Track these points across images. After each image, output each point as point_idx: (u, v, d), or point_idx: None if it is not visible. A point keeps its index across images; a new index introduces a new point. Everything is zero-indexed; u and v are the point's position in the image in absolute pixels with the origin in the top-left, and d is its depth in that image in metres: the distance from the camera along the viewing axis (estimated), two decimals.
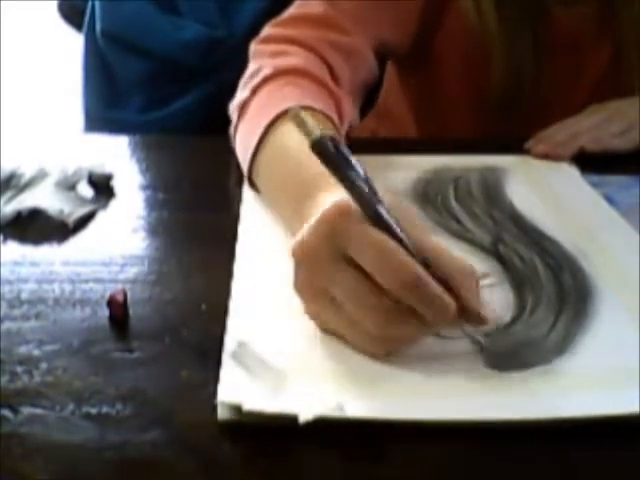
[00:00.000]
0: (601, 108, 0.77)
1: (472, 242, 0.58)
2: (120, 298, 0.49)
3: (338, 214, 0.44)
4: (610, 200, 0.65)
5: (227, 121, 0.70)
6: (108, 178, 0.68)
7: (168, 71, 1.06)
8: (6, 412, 0.41)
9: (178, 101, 1.06)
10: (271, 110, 0.63)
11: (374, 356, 0.44)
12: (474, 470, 0.38)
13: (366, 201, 0.44)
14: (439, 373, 0.43)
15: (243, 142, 0.66)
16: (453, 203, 0.64)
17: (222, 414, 0.40)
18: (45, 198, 0.63)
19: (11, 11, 2.65)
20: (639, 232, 0.59)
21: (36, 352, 0.46)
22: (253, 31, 0.79)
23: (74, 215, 0.62)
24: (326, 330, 0.46)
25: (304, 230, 0.45)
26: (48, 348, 0.46)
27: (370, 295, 0.42)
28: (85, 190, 0.67)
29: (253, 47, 0.75)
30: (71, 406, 0.41)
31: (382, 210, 0.44)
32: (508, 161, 0.73)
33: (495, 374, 0.43)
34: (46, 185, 0.65)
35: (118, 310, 0.49)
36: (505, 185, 0.68)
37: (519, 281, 0.53)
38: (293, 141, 0.60)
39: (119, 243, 0.59)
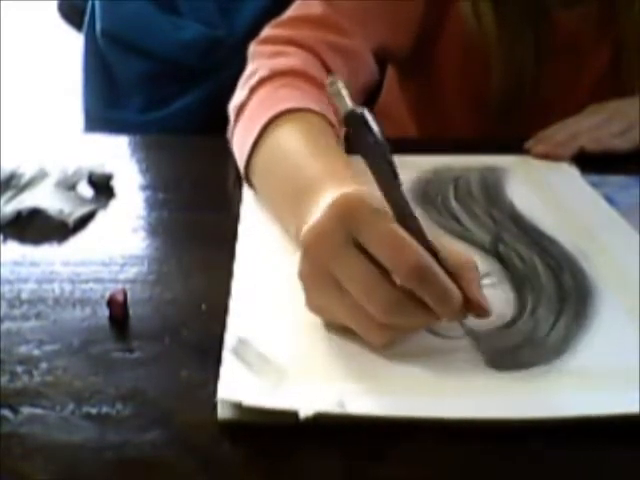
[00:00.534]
0: (601, 108, 0.77)
1: (472, 242, 0.58)
2: (120, 298, 0.49)
3: (351, 200, 0.44)
4: (610, 200, 0.65)
5: (227, 121, 0.70)
6: (108, 178, 0.68)
7: (168, 71, 1.05)
8: (6, 412, 0.41)
9: (178, 101, 1.06)
10: (268, 111, 0.63)
11: (375, 344, 0.44)
12: (474, 470, 0.38)
13: (388, 185, 0.44)
14: (439, 372, 0.43)
15: (240, 142, 0.66)
16: (453, 203, 0.64)
17: (222, 413, 0.40)
18: (45, 198, 0.63)
19: (11, 11, 2.65)
20: (639, 232, 0.59)
21: (36, 352, 0.46)
22: (253, 31, 0.79)
23: (74, 215, 0.62)
24: (328, 322, 0.46)
25: (315, 216, 0.45)
26: (48, 348, 0.46)
27: (377, 281, 0.42)
28: (85, 190, 0.67)
29: (252, 48, 0.75)
30: (71, 406, 0.41)
31: (401, 192, 0.44)
32: (508, 161, 0.73)
33: (495, 374, 0.43)
34: (46, 185, 0.65)
35: (118, 310, 0.49)
36: (505, 185, 0.68)
37: (519, 281, 0.53)
38: (290, 142, 0.60)
39: (119, 243, 0.59)
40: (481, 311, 0.45)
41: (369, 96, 0.86)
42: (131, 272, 0.55)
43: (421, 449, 0.39)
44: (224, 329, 0.46)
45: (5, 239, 0.59)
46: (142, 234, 0.61)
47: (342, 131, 0.68)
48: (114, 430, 0.40)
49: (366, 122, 0.45)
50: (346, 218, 0.44)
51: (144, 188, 0.69)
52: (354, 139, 0.46)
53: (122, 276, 0.54)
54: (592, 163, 0.71)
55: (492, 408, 0.40)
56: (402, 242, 0.42)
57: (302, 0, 0.78)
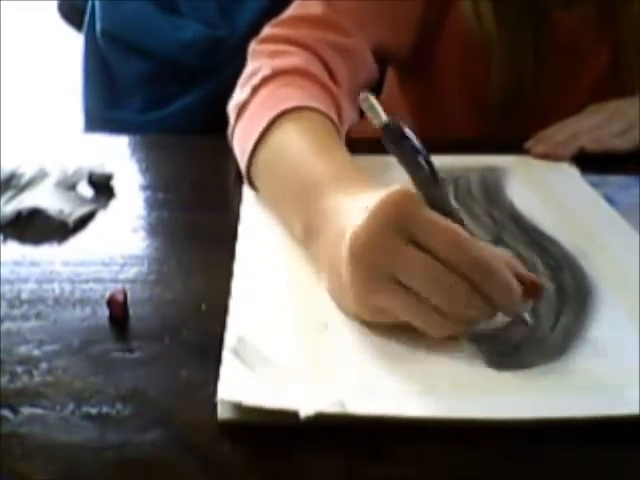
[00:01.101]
0: (601, 108, 0.77)
1: None
2: (120, 298, 0.49)
3: (402, 198, 0.44)
4: (610, 200, 0.65)
5: (227, 121, 0.70)
6: (108, 178, 0.68)
7: (168, 71, 1.05)
8: (6, 412, 0.41)
9: (178, 101, 1.06)
10: (270, 110, 0.63)
11: (440, 336, 0.45)
12: (474, 470, 0.38)
13: (429, 186, 0.45)
14: (440, 372, 0.43)
15: (241, 141, 0.66)
16: (453, 203, 0.64)
17: (222, 413, 0.40)
18: (45, 198, 0.63)
19: (11, 11, 2.65)
20: (639, 232, 0.59)
21: (36, 352, 0.46)
22: (253, 31, 0.79)
23: (74, 215, 0.62)
24: (390, 324, 0.46)
25: (361, 221, 0.45)
26: (48, 348, 0.46)
27: (442, 273, 0.43)
28: (85, 190, 0.67)
29: (252, 47, 0.75)
30: (71, 406, 0.41)
31: (446, 196, 0.46)
32: (508, 161, 0.73)
33: (495, 374, 0.43)
34: (46, 185, 0.65)
35: (118, 310, 0.49)
36: (505, 185, 0.68)
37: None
38: (294, 140, 0.60)
39: (119, 243, 0.59)
40: (540, 290, 0.47)
41: None
42: (131, 272, 0.55)
43: (421, 449, 0.39)
44: (224, 329, 0.46)
45: (5, 239, 0.59)
46: (142, 234, 0.61)
47: (344, 130, 0.68)
48: (114, 430, 0.40)
49: (404, 133, 0.46)
50: (399, 217, 0.44)
51: (144, 188, 0.69)
52: (394, 152, 0.47)
53: (122, 276, 0.54)
54: (592, 163, 0.71)
55: (492, 408, 0.40)
56: (462, 237, 0.43)
57: (302, 0, 0.78)
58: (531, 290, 0.46)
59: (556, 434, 0.40)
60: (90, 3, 1.09)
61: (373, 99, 0.47)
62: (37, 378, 0.44)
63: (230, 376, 0.42)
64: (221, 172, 0.71)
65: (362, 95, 0.48)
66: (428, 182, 0.45)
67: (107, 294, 0.50)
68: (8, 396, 0.42)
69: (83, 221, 0.62)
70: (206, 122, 1.01)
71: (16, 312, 0.50)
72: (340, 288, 0.47)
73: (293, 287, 0.50)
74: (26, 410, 0.41)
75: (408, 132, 0.47)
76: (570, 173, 0.71)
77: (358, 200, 0.48)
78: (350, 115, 0.70)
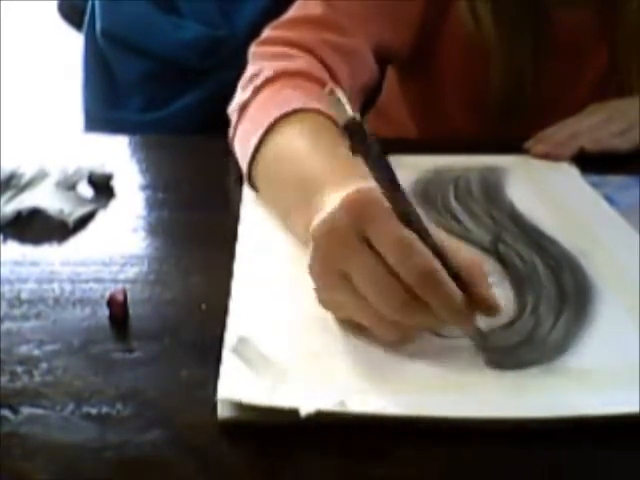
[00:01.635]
0: (601, 108, 0.77)
1: (472, 242, 0.58)
2: (120, 298, 0.49)
3: (363, 196, 0.44)
4: (610, 200, 0.65)
5: (227, 121, 0.70)
6: (108, 178, 0.68)
7: (168, 71, 1.05)
8: (6, 412, 0.41)
9: (178, 101, 1.06)
10: (273, 111, 0.62)
11: (387, 340, 0.45)
12: (474, 470, 0.38)
13: (391, 188, 0.44)
14: (440, 371, 0.43)
15: (243, 141, 0.66)
16: (453, 203, 0.64)
17: (222, 413, 0.40)
18: (45, 198, 0.63)
19: (11, 11, 2.65)
20: (639, 232, 0.59)
21: (36, 352, 0.46)
22: (254, 31, 0.79)
23: (74, 215, 0.62)
24: (340, 318, 0.46)
25: (326, 211, 0.45)
26: (48, 348, 0.46)
27: (388, 282, 0.43)
28: (85, 190, 0.67)
29: (252, 49, 0.75)
30: (71, 406, 0.41)
31: (407, 199, 0.44)
32: (508, 161, 0.73)
33: (496, 373, 0.43)
34: (46, 185, 0.65)
35: (118, 309, 0.49)
36: (505, 185, 0.68)
37: (519, 281, 0.53)
38: (297, 142, 0.60)
39: (119, 243, 0.59)
40: (491, 309, 0.45)
41: (369, 96, 0.86)
42: (131, 272, 0.55)
43: (421, 449, 0.39)
44: (224, 329, 0.46)
45: (5, 239, 0.59)
46: (142, 234, 0.61)
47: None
48: (114, 430, 0.40)
49: (364, 128, 0.45)
50: (358, 215, 0.44)
51: (144, 188, 0.69)
52: (356, 151, 0.46)
53: (122, 276, 0.54)
54: (592, 163, 0.71)
55: (492, 407, 0.40)
56: (411, 247, 0.43)
57: (302, 0, 0.78)
58: (484, 308, 0.45)
59: (556, 434, 0.40)
60: (90, 3, 1.09)
61: (340, 93, 0.46)
62: (37, 378, 0.44)
63: (230, 375, 0.42)
64: (221, 172, 0.71)
65: (327, 87, 0.47)
66: (390, 186, 0.44)
67: (107, 294, 0.50)
68: (8, 396, 0.42)
69: (83, 221, 0.62)
70: (206, 122, 1.01)
71: (16, 312, 0.50)
72: None
73: (293, 287, 0.50)
74: (26, 410, 0.41)
75: (371, 134, 0.45)
76: (570, 173, 0.71)
77: None
78: None
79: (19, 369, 0.44)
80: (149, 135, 0.85)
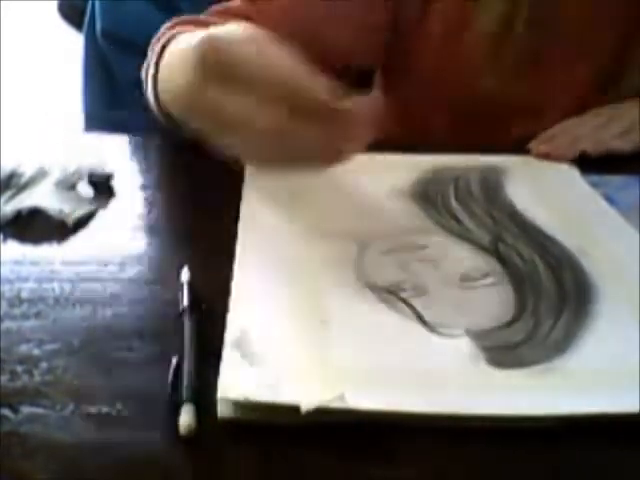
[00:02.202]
0: (601, 110, 0.77)
1: (472, 242, 0.58)
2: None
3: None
4: (610, 200, 0.65)
5: None
6: (108, 178, 0.68)
7: None
8: (6, 411, 0.41)
9: None
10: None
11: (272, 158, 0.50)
12: (474, 470, 0.38)
13: None
14: (440, 370, 0.43)
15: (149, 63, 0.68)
16: (453, 203, 0.64)
17: (222, 412, 0.40)
18: (45, 198, 0.63)
19: (11, 11, 2.65)
20: (639, 232, 0.59)
21: (36, 351, 0.46)
22: None
23: (74, 215, 0.62)
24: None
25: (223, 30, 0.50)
26: (48, 347, 0.46)
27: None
28: (85, 190, 0.67)
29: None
30: (71, 406, 0.41)
31: None
32: (508, 161, 0.73)
33: (496, 372, 0.43)
34: (46, 185, 0.65)
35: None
36: (505, 185, 0.68)
37: (519, 280, 0.53)
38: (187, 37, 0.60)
39: (119, 243, 0.59)
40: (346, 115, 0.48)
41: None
42: (131, 272, 0.55)
43: (421, 449, 0.39)
44: (224, 329, 0.46)
45: (5, 239, 0.59)
46: (142, 234, 0.61)
47: None
48: (114, 430, 0.40)
49: None
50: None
51: (144, 188, 0.69)
52: None
53: (122, 276, 0.54)
54: (592, 163, 0.71)
55: (492, 406, 0.40)
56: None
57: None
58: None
59: (556, 433, 0.40)
60: (90, 3, 1.09)
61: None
62: (37, 377, 0.44)
63: (231, 373, 0.42)
64: (221, 172, 0.71)
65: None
66: None
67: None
68: (8, 395, 0.42)
69: (83, 221, 0.62)
70: None
71: (16, 311, 0.50)
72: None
73: (293, 285, 0.50)
74: (26, 409, 0.41)
75: None
76: (570, 173, 0.71)
77: None
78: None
79: (19, 368, 0.44)
80: (149, 135, 0.85)
